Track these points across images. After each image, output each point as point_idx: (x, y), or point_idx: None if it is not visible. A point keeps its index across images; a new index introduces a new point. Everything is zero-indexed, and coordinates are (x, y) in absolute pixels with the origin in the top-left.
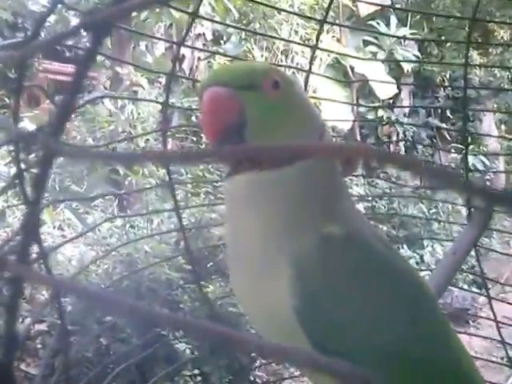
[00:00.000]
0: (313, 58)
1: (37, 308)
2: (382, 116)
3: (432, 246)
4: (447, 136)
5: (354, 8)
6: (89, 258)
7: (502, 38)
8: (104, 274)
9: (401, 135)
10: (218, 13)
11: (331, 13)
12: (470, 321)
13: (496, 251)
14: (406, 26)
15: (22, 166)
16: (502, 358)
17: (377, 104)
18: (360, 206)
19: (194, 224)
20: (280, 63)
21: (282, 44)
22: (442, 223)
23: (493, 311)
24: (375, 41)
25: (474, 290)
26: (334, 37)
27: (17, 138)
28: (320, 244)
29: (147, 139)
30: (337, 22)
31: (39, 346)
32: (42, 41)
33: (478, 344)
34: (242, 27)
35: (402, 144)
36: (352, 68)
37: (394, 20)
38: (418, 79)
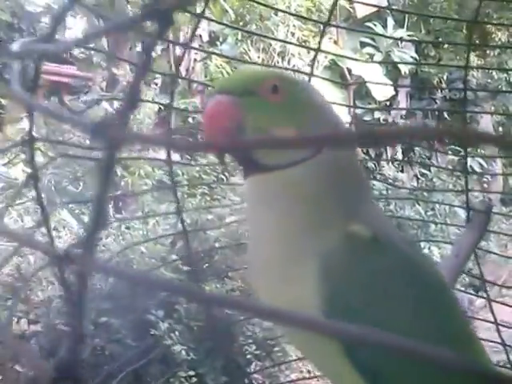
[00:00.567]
0: (315, 61)
1: (32, 308)
2: (379, 118)
3: (429, 248)
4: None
5: (351, 9)
6: None
7: (499, 39)
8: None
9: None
10: (215, 14)
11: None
12: None
13: (495, 253)
14: (403, 27)
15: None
16: (499, 362)
17: (374, 106)
18: None
19: (190, 225)
20: (277, 65)
21: (279, 46)
22: (438, 225)
23: (493, 314)
24: (372, 42)
25: (471, 292)
26: (330, 38)
27: (83, 129)
28: (346, 244)
29: None
30: (334, 23)
31: (34, 346)
32: (96, 31)
33: None
34: (240, 28)
35: (399, 146)
36: (349, 70)
37: (390, 22)
38: (415, 81)
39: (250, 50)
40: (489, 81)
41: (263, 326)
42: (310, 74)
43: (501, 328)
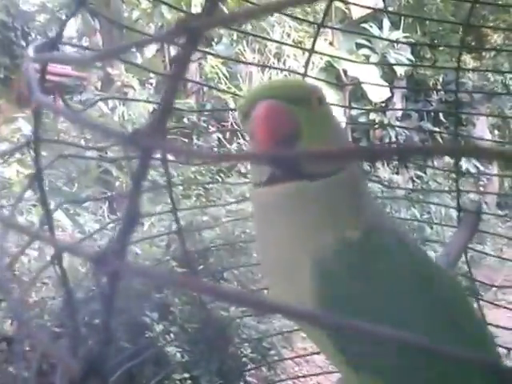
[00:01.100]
0: (309, 62)
1: (26, 310)
2: (374, 119)
3: None
4: (440, 140)
5: (347, 11)
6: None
7: (495, 41)
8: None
9: (393, 139)
10: None
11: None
12: None
13: (488, 254)
14: (398, 29)
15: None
16: None
17: (369, 107)
18: None
19: (185, 226)
20: (272, 66)
21: (275, 47)
22: (434, 229)
23: (482, 314)
24: (368, 44)
25: None
26: (326, 39)
27: (118, 139)
28: (337, 246)
29: None
30: (329, 24)
31: (27, 348)
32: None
33: None
34: (235, 28)
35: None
36: (345, 71)
37: (386, 23)
38: (411, 83)
39: (245, 51)
40: (485, 83)
41: (258, 330)
42: (304, 75)
43: (498, 333)
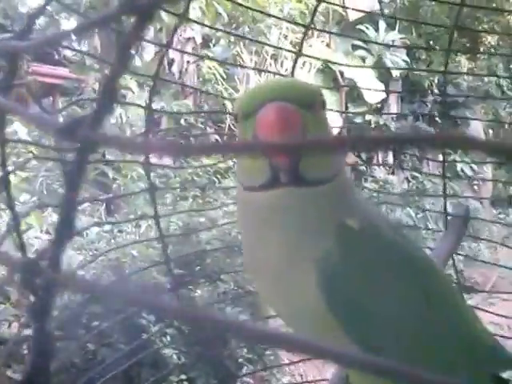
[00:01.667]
0: (296, 64)
1: (24, 313)
2: (370, 120)
3: None
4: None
5: (343, 12)
6: (76, 262)
7: (489, 42)
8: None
9: None
10: (208, 17)
11: (321, 17)
12: None
13: (482, 261)
14: (394, 30)
15: None
16: None
17: (365, 109)
18: None
19: (182, 228)
20: (269, 68)
21: (272, 48)
22: (429, 228)
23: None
24: (364, 45)
25: None
26: (323, 41)
27: (48, 128)
28: (337, 236)
29: None
30: (326, 26)
31: (25, 351)
32: (67, 31)
33: None
34: (231, 31)
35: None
36: (341, 73)
37: (382, 25)
38: (407, 84)
39: (242, 53)
40: (479, 83)
41: None
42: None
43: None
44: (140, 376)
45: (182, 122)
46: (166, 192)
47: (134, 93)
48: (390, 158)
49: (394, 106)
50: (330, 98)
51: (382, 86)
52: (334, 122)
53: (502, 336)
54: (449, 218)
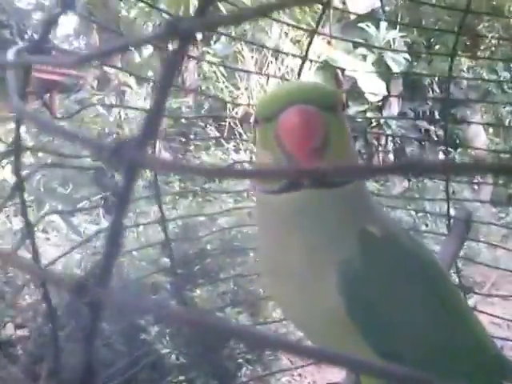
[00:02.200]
0: (302, 68)
1: (19, 313)
2: (371, 118)
3: None
4: (435, 138)
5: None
6: (74, 261)
7: (490, 41)
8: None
9: (389, 138)
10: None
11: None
12: None
13: (480, 263)
14: (395, 28)
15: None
16: None
17: (366, 107)
18: None
19: (181, 227)
20: (270, 65)
21: (273, 45)
22: (429, 226)
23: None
24: (365, 42)
25: None
26: (324, 39)
27: (98, 151)
28: (360, 242)
29: None
30: (327, 24)
31: (20, 352)
32: (113, 47)
33: None
34: (231, 30)
35: (390, 147)
36: (342, 70)
37: (383, 23)
38: (407, 81)
39: (243, 50)
40: (479, 82)
41: None
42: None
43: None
44: (138, 377)
45: (182, 120)
46: (165, 190)
47: (132, 89)
48: (391, 157)
49: (394, 104)
50: None
51: (382, 84)
52: None
53: (501, 338)
54: (451, 220)
